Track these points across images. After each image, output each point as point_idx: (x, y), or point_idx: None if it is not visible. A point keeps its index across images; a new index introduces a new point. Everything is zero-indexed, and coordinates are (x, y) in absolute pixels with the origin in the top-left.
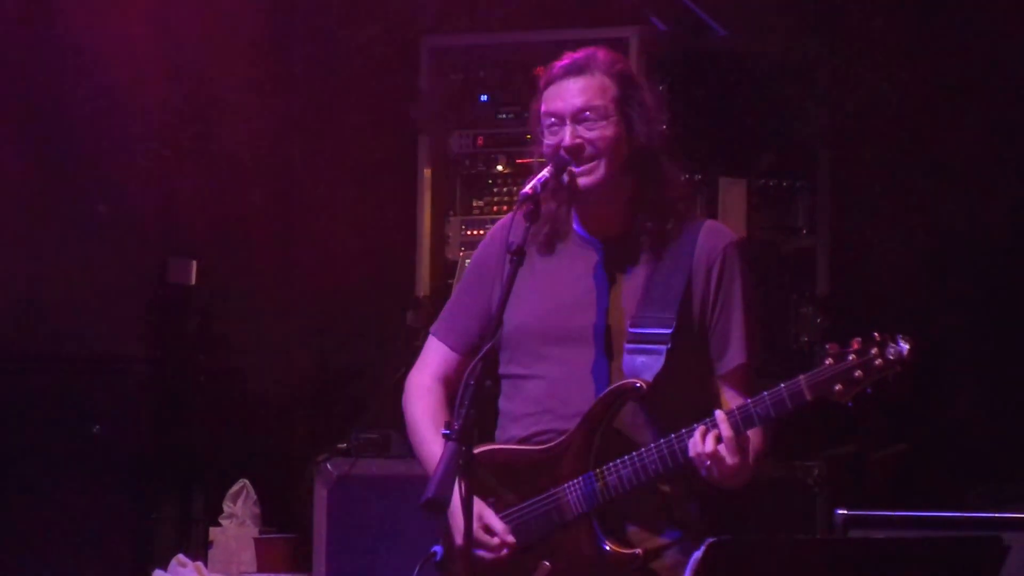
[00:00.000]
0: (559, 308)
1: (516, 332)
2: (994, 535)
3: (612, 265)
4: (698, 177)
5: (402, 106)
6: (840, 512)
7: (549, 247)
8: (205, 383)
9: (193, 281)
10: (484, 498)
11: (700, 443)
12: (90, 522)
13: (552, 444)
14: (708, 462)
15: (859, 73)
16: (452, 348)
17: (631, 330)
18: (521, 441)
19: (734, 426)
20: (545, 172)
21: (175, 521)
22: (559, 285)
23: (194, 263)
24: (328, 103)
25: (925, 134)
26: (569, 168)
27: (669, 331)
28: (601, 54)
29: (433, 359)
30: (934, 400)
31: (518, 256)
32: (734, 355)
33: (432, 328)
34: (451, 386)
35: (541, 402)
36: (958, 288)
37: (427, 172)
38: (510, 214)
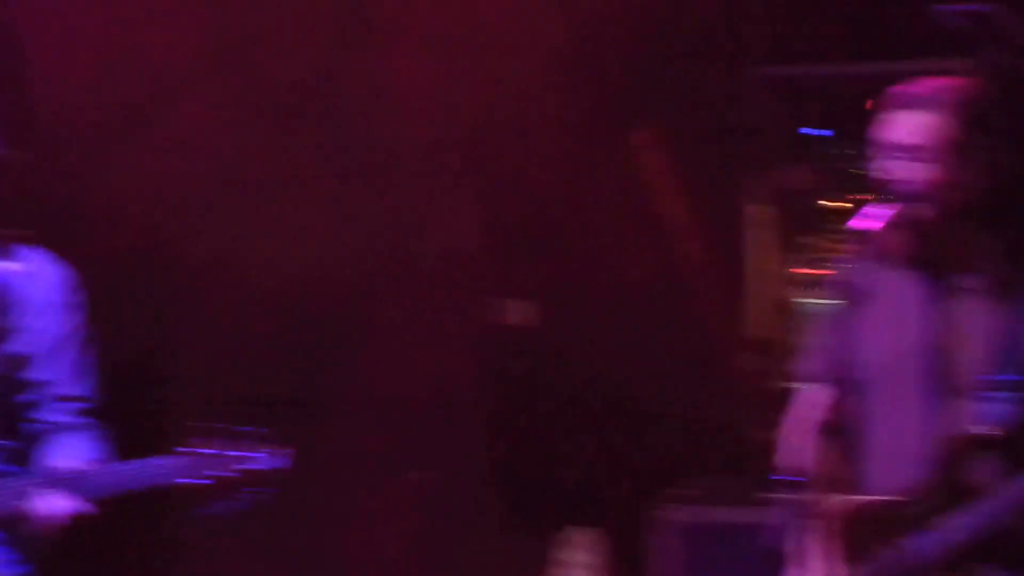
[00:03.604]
0: (907, 350)
1: (864, 372)
2: None
3: (951, 304)
4: None
5: (728, 140)
6: None
7: (889, 279)
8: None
9: None
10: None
11: None
12: None
13: (899, 495)
14: None
15: None
16: (826, 384)
17: (981, 376)
18: (867, 489)
19: None
20: (889, 209)
21: None
22: (903, 324)
23: None
24: None
25: None
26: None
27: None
28: (945, 90)
29: (815, 396)
30: None
31: (863, 296)
32: None
33: (804, 367)
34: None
35: (886, 447)
36: None
37: (755, 209)
38: (856, 252)
